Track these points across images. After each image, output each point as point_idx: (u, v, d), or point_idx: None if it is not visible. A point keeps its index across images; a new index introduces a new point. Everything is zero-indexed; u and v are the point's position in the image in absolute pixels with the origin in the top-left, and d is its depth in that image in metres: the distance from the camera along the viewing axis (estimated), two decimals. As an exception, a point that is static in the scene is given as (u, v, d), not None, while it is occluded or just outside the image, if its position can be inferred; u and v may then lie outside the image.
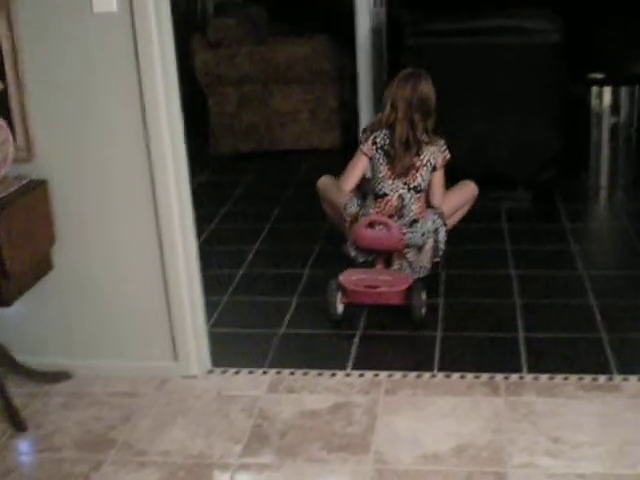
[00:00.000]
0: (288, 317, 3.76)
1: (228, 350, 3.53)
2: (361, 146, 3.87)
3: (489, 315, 3.71)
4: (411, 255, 3.81)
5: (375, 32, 5.44)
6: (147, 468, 2.84)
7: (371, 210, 3.83)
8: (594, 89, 5.07)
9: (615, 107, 5.04)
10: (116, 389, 3.31)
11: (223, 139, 6.05)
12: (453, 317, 3.71)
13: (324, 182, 4.18)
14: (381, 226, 3.74)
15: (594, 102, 5.06)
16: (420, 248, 3.80)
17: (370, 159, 3.84)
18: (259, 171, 5.86)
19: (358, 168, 3.90)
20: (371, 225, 3.76)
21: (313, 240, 4.56)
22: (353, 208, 3.90)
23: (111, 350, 3.38)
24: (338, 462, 2.80)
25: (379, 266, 3.83)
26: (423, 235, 3.79)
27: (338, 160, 5.80)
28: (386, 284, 3.69)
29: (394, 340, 3.57)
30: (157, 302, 3.25)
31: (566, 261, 4.18)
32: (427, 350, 3.45)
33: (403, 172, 3.77)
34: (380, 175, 3.81)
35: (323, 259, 4.34)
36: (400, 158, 3.75)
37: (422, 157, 3.76)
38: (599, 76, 5.15)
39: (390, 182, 3.79)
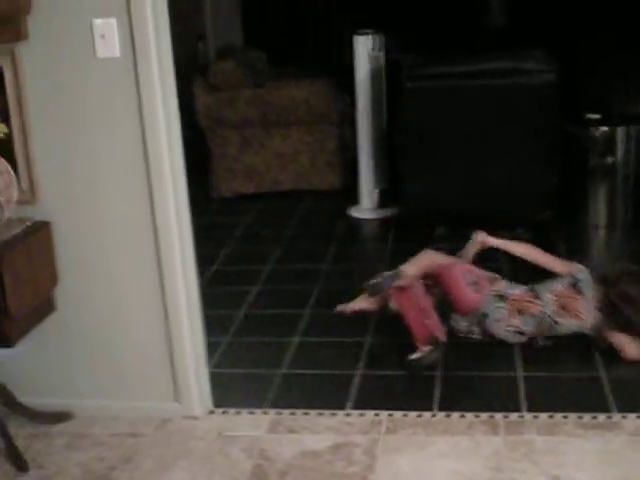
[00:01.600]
0: (289, 357, 3.78)
1: (229, 390, 3.54)
2: (570, 262, 3.92)
3: (488, 354, 3.73)
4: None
5: (374, 76, 5.51)
6: (148, 509, 2.86)
7: (517, 290, 3.80)
8: (591, 129, 5.12)
9: (611, 147, 5.09)
10: (118, 430, 3.32)
11: (224, 181, 6.11)
12: (452, 357, 3.72)
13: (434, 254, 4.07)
14: (475, 285, 3.74)
15: (591, 142, 5.11)
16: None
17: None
18: (260, 212, 5.91)
19: (551, 265, 3.92)
20: (469, 274, 3.75)
21: (313, 280, 4.59)
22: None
23: (113, 390, 3.39)
24: (339, 502, 2.82)
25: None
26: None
27: (337, 201, 5.92)
28: (434, 319, 3.69)
29: (394, 380, 3.58)
30: (159, 343, 3.28)
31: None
32: (427, 390, 3.46)
33: (563, 306, 3.74)
34: (551, 287, 3.79)
35: (324, 299, 4.36)
36: None
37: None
38: (596, 116, 5.21)
39: (550, 297, 3.74)
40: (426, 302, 3.77)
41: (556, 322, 3.71)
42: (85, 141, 3.10)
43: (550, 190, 4.96)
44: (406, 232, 4.87)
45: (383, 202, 5.66)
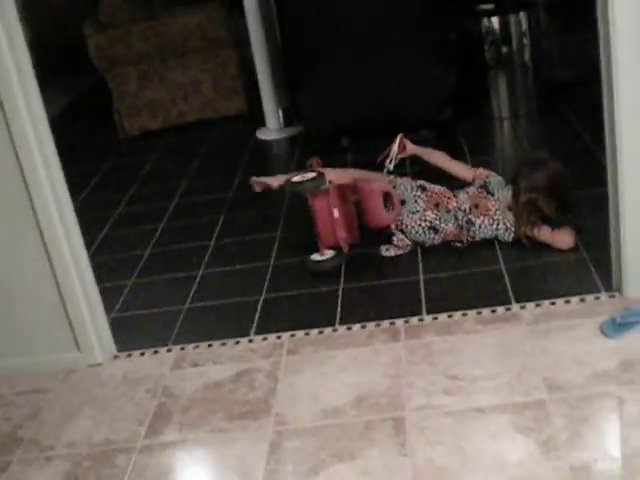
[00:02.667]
0: (193, 291, 3.75)
1: (134, 333, 3.51)
2: (479, 168, 3.83)
3: (389, 262, 3.73)
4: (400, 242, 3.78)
5: (261, -8, 5.40)
6: (53, 462, 2.83)
7: (439, 185, 3.77)
8: (484, 20, 5.06)
9: (506, 36, 5.04)
10: (23, 387, 3.28)
11: (128, 120, 5.99)
12: (353, 268, 3.71)
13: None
14: (391, 205, 3.69)
15: (485, 34, 5.06)
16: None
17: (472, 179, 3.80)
18: (167, 147, 5.81)
19: (460, 172, 3.88)
20: (386, 195, 3.69)
21: (218, 210, 4.54)
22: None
23: (14, 349, 3.35)
24: (240, 430, 2.81)
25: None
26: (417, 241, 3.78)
27: (245, 125, 5.84)
28: (343, 231, 3.72)
29: (296, 299, 3.56)
30: (50, 295, 3.22)
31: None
32: (329, 305, 3.45)
33: (476, 205, 3.69)
34: (464, 189, 3.76)
35: (228, 228, 4.32)
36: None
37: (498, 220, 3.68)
38: (488, 7, 5.15)
39: (465, 197, 3.71)
40: (341, 211, 3.73)
41: (471, 222, 3.68)
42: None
43: (449, 87, 4.93)
44: (311, 148, 4.80)
45: (288, 121, 5.59)
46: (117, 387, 3.18)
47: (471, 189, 3.76)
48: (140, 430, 2.90)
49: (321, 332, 3.28)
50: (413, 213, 3.72)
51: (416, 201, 3.73)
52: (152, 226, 4.49)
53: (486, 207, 3.68)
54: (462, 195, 3.74)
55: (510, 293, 3.31)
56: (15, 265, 3.20)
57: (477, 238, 3.70)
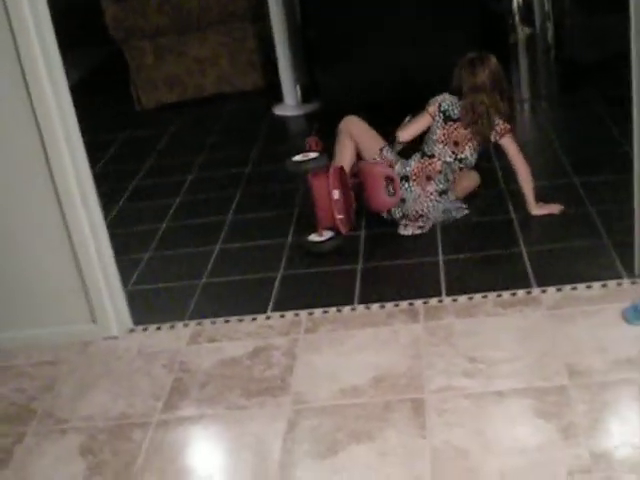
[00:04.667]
0: (210, 266, 3.72)
1: (150, 307, 3.49)
2: (428, 107, 3.78)
3: (408, 242, 3.70)
4: (420, 222, 3.76)
5: (283, -33, 5.35)
6: (68, 435, 2.81)
7: (413, 163, 3.74)
8: (507, 2, 5.00)
9: (529, 18, 4.99)
10: (39, 358, 3.26)
11: (145, 93, 5.96)
12: (374, 248, 3.69)
13: (356, 121, 3.98)
14: (393, 190, 3.70)
15: (508, 16, 5.00)
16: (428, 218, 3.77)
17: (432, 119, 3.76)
18: (184, 121, 5.77)
19: (420, 125, 3.80)
20: (388, 179, 3.70)
21: (235, 185, 4.50)
22: (390, 155, 3.80)
23: (29, 319, 3.33)
24: (257, 407, 2.79)
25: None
26: (444, 212, 3.77)
27: (262, 100, 5.80)
28: (342, 213, 3.70)
29: (314, 277, 3.54)
30: (67, 266, 3.20)
31: (489, 178, 4.13)
32: (348, 283, 3.43)
33: (455, 142, 3.71)
34: (434, 137, 3.73)
35: (245, 203, 4.29)
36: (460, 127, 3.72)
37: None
38: (512, -11, 5.09)
39: (441, 146, 3.71)
40: (341, 194, 3.72)
41: (463, 160, 3.73)
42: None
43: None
44: (329, 125, 4.75)
45: (306, 97, 5.55)
46: (133, 361, 3.16)
47: (437, 130, 3.73)
48: (157, 405, 2.88)
49: (339, 311, 3.25)
50: (417, 199, 3.71)
51: (411, 191, 3.71)
52: (169, 199, 4.46)
53: (463, 136, 3.71)
54: (437, 147, 3.72)
55: (531, 276, 3.28)
56: (32, 236, 3.18)
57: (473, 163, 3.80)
